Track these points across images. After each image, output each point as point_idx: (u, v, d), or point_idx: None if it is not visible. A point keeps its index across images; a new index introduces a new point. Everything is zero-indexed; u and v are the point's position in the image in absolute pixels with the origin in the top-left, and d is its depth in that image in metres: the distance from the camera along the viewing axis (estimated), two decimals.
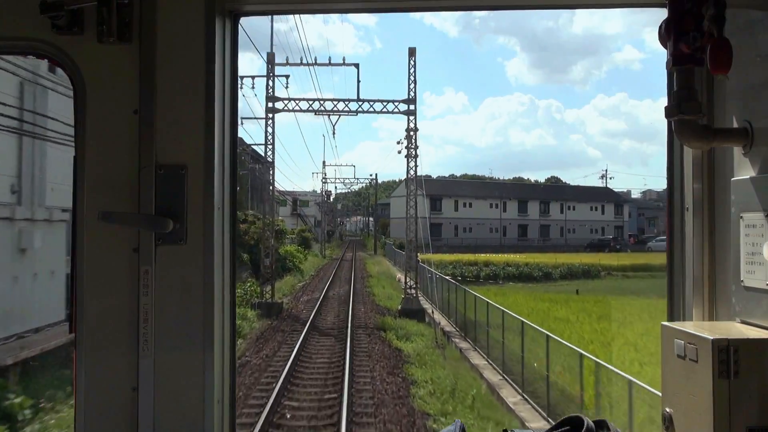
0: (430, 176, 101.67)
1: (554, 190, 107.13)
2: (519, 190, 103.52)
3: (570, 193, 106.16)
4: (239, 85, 2.31)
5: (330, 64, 32.61)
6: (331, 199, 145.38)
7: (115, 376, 1.93)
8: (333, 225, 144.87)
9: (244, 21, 2.15)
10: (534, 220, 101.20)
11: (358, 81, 39.08)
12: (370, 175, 75.13)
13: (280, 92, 32.14)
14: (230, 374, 2.07)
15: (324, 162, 79.15)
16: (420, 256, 54.85)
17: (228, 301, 2.06)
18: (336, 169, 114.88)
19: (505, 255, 77.31)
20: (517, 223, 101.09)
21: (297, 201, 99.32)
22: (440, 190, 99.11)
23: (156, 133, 1.94)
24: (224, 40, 2.05)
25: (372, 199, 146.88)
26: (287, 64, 31.71)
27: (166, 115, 1.95)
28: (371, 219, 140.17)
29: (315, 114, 32.07)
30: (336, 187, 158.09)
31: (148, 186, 1.92)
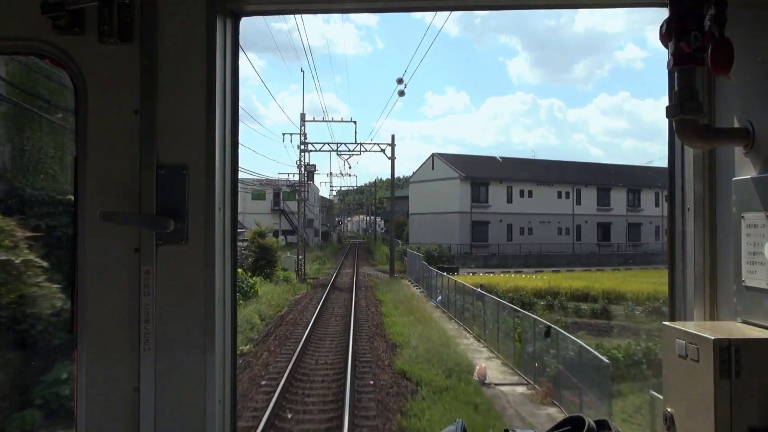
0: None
1: (647, 174, 74.80)
2: (598, 174, 71.23)
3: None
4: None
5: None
6: (327, 194, 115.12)
7: (117, 376, 1.92)
8: (330, 225, 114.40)
9: (244, 21, 2.15)
10: (619, 217, 68.89)
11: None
12: (392, 141, 48.62)
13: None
14: (231, 374, 2.07)
15: (303, 115, 45.93)
16: (459, 278, 33.78)
17: (229, 302, 2.05)
18: (328, 131, 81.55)
19: (608, 272, 48.61)
20: (596, 220, 68.86)
21: (280, 193, 69.11)
22: (485, 172, 66.93)
23: (157, 133, 1.94)
24: (225, 40, 2.04)
25: (378, 192, 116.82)
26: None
27: (167, 114, 1.94)
28: (378, 218, 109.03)
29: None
30: (331, 172, 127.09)
31: (149, 186, 1.92)
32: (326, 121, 45.99)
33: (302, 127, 43.71)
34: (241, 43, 2.15)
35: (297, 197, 46.74)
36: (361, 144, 46.20)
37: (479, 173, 65.67)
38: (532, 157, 76.89)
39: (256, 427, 12.75)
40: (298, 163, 45.90)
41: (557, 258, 63.16)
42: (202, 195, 1.94)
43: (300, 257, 45.10)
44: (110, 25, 1.88)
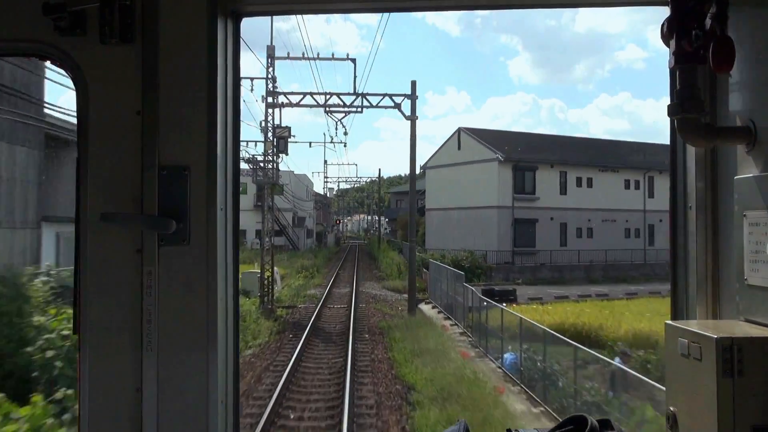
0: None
1: None
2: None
3: None
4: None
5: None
6: (325, 190, 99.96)
7: (119, 377, 1.92)
8: (326, 224, 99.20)
9: (245, 22, 2.15)
10: None
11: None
12: (412, 90, 27.33)
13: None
14: (233, 375, 2.06)
15: (271, 49, 27.69)
16: (525, 312, 21.28)
17: (231, 302, 2.05)
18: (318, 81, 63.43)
19: None
20: None
21: (265, 186, 53.81)
22: (532, 153, 50.21)
23: (159, 134, 1.93)
24: (226, 41, 2.04)
25: (382, 188, 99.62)
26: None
27: (168, 115, 1.94)
28: (382, 218, 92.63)
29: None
30: (325, 160, 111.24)
31: (151, 187, 1.92)
32: (308, 59, 29.17)
33: (269, 68, 27.27)
34: (243, 41, 2.01)
35: (254, 173, 30.56)
36: (362, 95, 29.71)
37: (524, 154, 48.82)
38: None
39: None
40: (264, 124, 29.43)
41: (627, 269, 46.61)
42: (203, 196, 1.94)
43: (267, 275, 28.58)
44: (111, 26, 1.88)
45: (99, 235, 1.92)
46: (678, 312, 2.10)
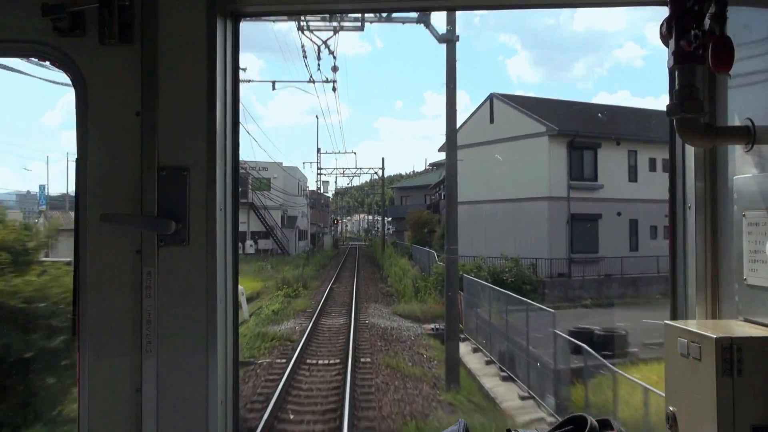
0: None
1: None
2: None
3: None
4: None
5: None
6: (325, 188, 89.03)
7: (119, 378, 1.93)
8: (323, 224, 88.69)
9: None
10: None
11: None
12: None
13: None
14: (233, 375, 2.07)
15: None
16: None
17: (230, 302, 2.05)
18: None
19: None
20: None
21: (248, 180, 46.89)
22: (589, 127, 38.06)
23: (158, 135, 1.94)
24: (225, 41, 2.05)
25: (383, 187, 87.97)
26: None
27: (168, 116, 1.95)
28: (386, 218, 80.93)
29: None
30: (319, 148, 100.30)
31: (150, 188, 1.93)
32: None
33: None
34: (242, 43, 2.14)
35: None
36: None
37: (582, 126, 36.68)
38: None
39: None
40: None
41: None
42: (203, 196, 1.94)
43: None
44: (111, 26, 1.88)
45: (98, 236, 1.93)
46: (677, 312, 2.12)
